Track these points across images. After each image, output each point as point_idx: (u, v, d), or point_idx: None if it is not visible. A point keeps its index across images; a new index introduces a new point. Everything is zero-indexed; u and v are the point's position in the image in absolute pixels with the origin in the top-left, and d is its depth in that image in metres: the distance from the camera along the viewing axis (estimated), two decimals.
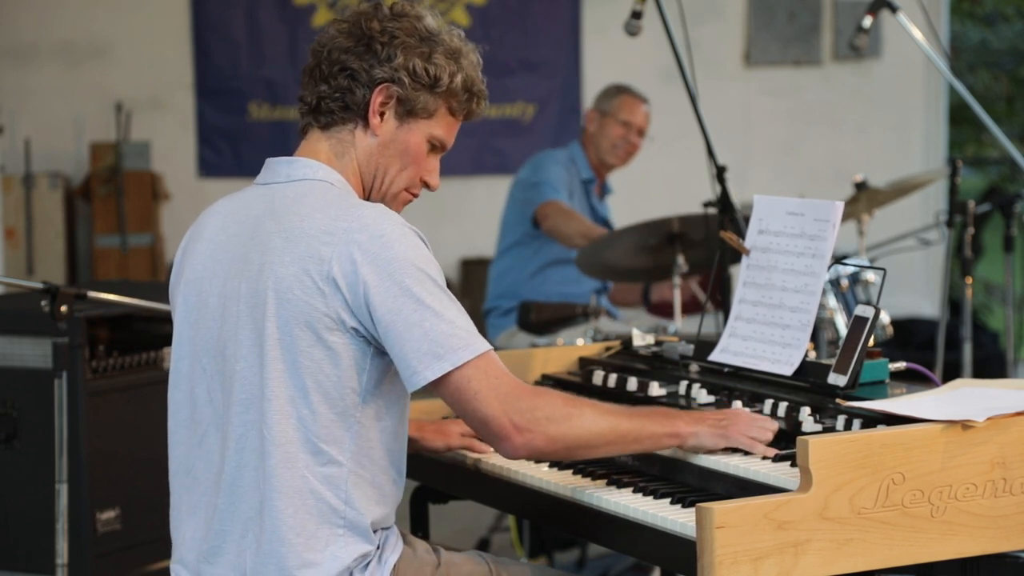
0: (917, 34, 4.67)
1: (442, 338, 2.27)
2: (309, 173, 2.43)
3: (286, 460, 2.32)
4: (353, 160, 2.46)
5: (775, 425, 2.51)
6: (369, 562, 2.37)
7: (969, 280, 4.90)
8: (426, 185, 2.53)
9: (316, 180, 2.42)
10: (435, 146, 2.50)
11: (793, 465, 2.35)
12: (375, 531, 2.40)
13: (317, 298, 2.29)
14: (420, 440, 2.79)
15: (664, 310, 5.38)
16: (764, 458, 2.45)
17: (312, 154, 2.46)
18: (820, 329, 4.39)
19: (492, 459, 2.75)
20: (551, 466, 2.67)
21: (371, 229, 2.30)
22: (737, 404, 2.66)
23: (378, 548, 2.40)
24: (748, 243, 2.86)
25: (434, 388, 2.31)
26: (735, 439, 2.47)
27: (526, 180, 5.38)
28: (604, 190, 5.58)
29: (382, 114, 2.45)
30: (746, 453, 2.48)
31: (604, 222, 5.49)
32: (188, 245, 2.50)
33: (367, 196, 2.50)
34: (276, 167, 2.47)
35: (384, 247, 2.29)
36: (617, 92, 5.46)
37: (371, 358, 2.33)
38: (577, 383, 3.07)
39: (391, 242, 2.30)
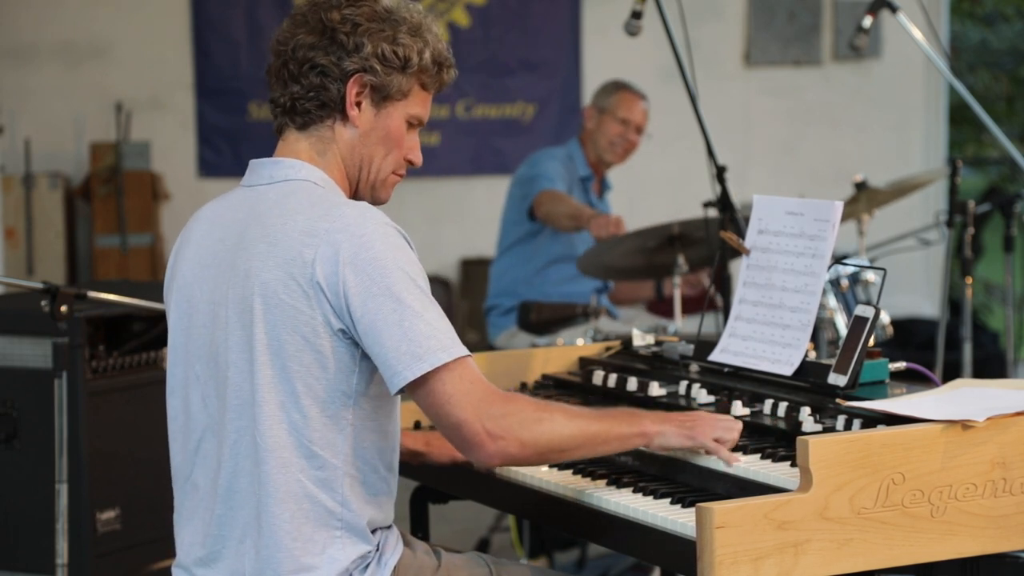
0: (917, 34, 4.67)
1: (421, 338, 2.25)
2: (292, 173, 2.42)
3: (280, 465, 2.31)
4: (336, 155, 2.45)
5: (739, 425, 2.49)
6: (369, 564, 2.37)
7: (969, 280, 4.90)
8: (410, 163, 2.51)
9: (299, 180, 2.41)
10: (412, 124, 2.49)
11: (793, 465, 2.35)
12: (373, 531, 2.40)
13: (302, 302, 2.29)
14: (427, 455, 2.77)
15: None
16: (745, 450, 2.46)
17: (293, 154, 2.44)
18: (820, 329, 4.39)
19: None
20: (551, 466, 2.67)
21: (352, 229, 2.29)
22: (737, 404, 2.66)
23: (377, 549, 2.40)
24: (748, 243, 2.86)
25: (410, 390, 2.28)
26: (700, 441, 2.44)
27: (523, 176, 5.38)
28: (603, 187, 5.57)
29: (359, 104, 2.43)
30: (740, 450, 2.48)
31: None
32: (178, 250, 2.50)
33: (355, 187, 2.48)
34: (259, 168, 2.46)
35: (364, 247, 2.27)
36: (615, 89, 5.44)
37: (359, 360, 2.32)
38: (577, 383, 3.07)
39: (371, 242, 2.28)
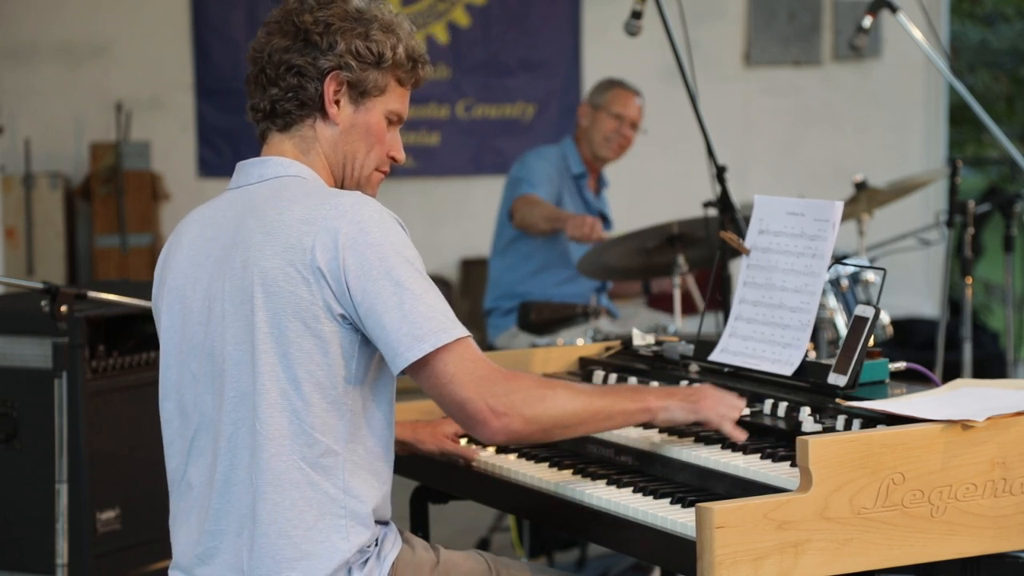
0: (917, 34, 4.67)
1: (422, 320, 2.28)
2: (281, 170, 2.45)
3: (280, 453, 2.32)
4: (319, 154, 2.48)
5: (743, 402, 2.55)
6: (368, 559, 2.38)
7: (969, 280, 4.90)
8: (393, 159, 2.55)
9: (290, 176, 2.44)
10: (392, 120, 2.53)
11: (793, 465, 2.35)
12: (376, 522, 2.40)
13: (303, 288, 2.31)
14: (415, 443, 2.80)
15: (664, 301, 5.38)
16: (745, 450, 2.48)
17: (279, 153, 2.48)
18: (820, 329, 4.39)
19: (491, 459, 2.76)
20: (551, 465, 2.67)
21: (349, 216, 2.32)
22: None
23: (376, 544, 2.40)
24: (748, 243, 2.86)
25: (412, 372, 2.31)
26: (705, 415, 2.51)
27: (512, 178, 5.39)
28: (600, 184, 5.57)
29: (337, 102, 2.46)
30: (740, 449, 2.48)
31: (601, 216, 5.48)
32: (167, 256, 2.52)
33: (341, 186, 2.51)
34: (248, 169, 2.49)
35: (362, 232, 2.30)
36: (609, 86, 5.46)
37: (359, 345, 2.34)
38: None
39: (369, 227, 2.31)
